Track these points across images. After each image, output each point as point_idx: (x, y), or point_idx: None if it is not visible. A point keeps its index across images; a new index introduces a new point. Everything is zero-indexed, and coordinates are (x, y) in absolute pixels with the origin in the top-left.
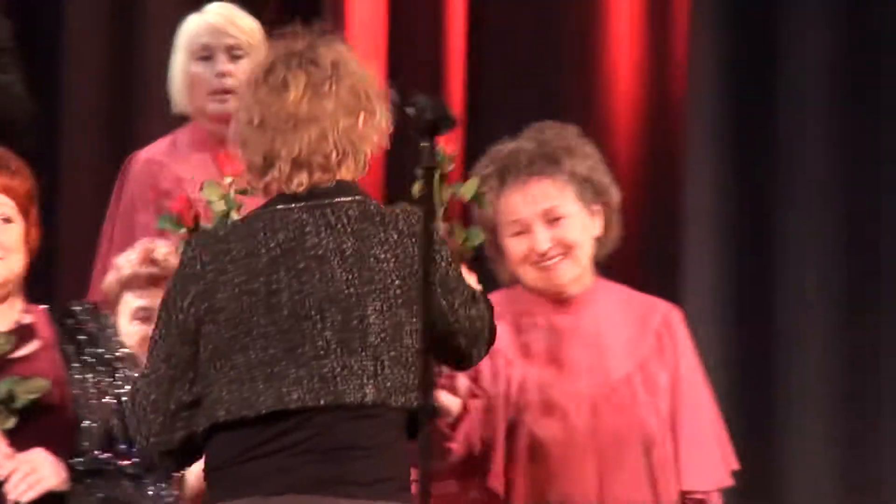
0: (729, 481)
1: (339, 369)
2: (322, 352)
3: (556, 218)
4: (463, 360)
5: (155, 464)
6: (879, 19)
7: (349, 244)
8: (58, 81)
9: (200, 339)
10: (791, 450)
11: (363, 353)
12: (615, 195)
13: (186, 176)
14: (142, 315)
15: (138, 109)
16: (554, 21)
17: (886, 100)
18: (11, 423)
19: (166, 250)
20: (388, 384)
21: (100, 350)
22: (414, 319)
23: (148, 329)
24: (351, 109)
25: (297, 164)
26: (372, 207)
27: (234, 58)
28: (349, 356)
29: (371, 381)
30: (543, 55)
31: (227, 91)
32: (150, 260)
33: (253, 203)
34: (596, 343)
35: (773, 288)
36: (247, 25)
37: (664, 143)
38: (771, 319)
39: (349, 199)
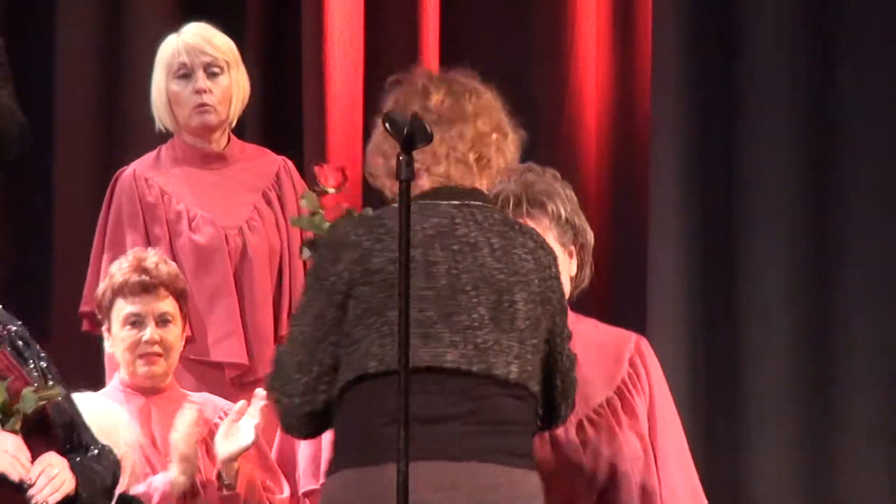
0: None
1: (491, 342)
2: (476, 323)
3: None
4: (556, 422)
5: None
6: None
7: (495, 240)
8: (50, 95)
9: (350, 301)
10: (756, 458)
11: (511, 334)
12: (590, 237)
13: (168, 189)
14: (133, 320)
15: (127, 123)
16: (525, 31)
17: (848, 126)
18: (18, 426)
19: (157, 259)
20: (529, 368)
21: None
22: (544, 322)
23: (139, 333)
24: (487, 121)
25: (437, 158)
26: (509, 218)
27: (212, 75)
28: (500, 333)
29: (516, 361)
30: (515, 63)
31: (206, 105)
32: (141, 268)
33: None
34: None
35: (738, 306)
36: (222, 43)
37: (629, 165)
38: (736, 336)
39: (490, 206)
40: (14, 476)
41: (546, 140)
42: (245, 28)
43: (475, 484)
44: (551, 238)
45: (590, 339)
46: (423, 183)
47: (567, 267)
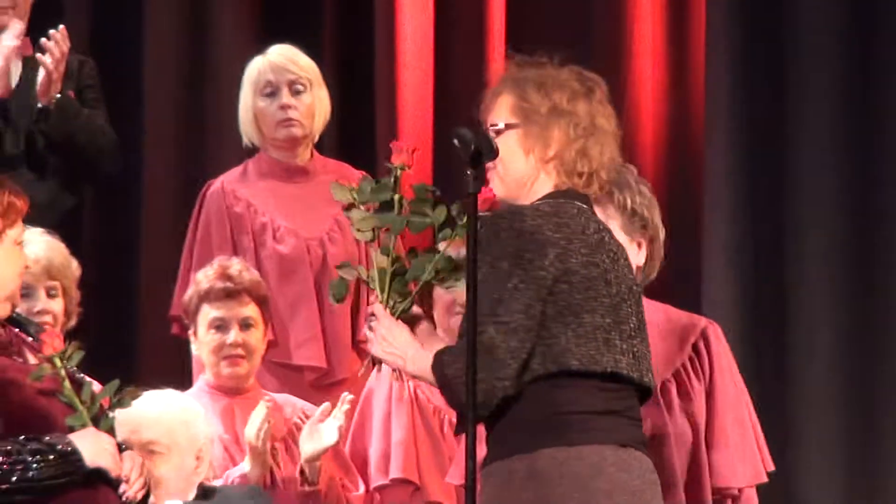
0: (762, 478)
1: (642, 351)
2: (633, 332)
3: None
4: None
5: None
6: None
7: (617, 248)
8: (139, 113)
9: (549, 297)
10: (804, 454)
11: (646, 342)
12: (661, 233)
13: (254, 201)
14: (217, 324)
15: (213, 139)
16: (586, 45)
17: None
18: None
19: (240, 267)
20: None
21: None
22: None
23: (223, 337)
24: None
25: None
26: None
27: (296, 92)
28: (642, 343)
29: (649, 372)
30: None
31: (290, 120)
32: (225, 275)
33: None
34: None
35: (787, 306)
36: (306, 63)
37: (683, 174)
38: (784, 334)
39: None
40: (115, 472)
41: None
42: (321, 49)
43: (646, 467)
44: (615, 226)
45: (656, 324)
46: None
47: (634, 258)
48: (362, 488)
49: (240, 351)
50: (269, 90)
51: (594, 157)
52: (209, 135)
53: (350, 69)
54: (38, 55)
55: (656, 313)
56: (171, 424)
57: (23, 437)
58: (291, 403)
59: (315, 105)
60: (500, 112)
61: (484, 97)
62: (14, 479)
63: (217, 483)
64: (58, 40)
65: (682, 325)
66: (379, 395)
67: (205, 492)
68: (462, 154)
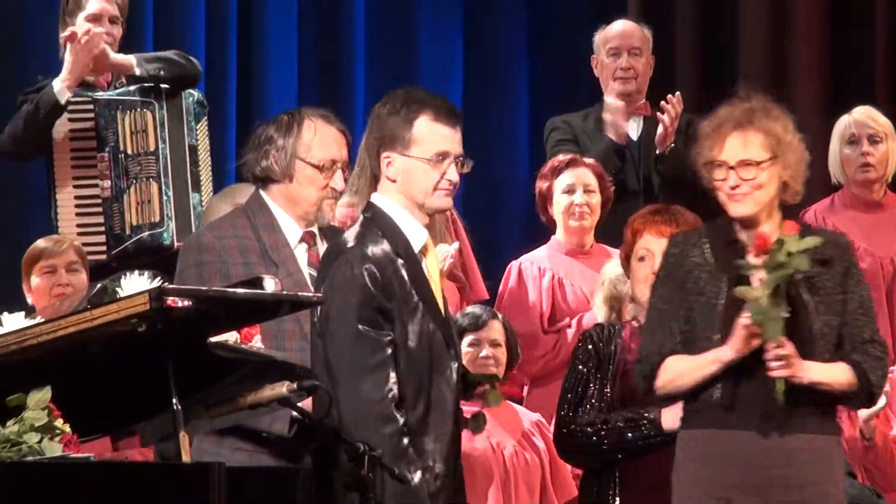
0: None
1: None
2: None
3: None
4: None
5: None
6: None
7: None
8: None
9: None
10: None
11: None
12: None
13: (841, 227)
14: None
15: None
16: None
17: None
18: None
19: None
20: None
21: None
22: None
23: None
24: None
25: None
26: None
27: (873, 142)
28: None
29: None
30: None
31: (868, 166)
32: None
33: None
34: None
35: None
36: (882, 120)
37: None
38: None
39: None
40: None
41: None
42: None
43: None
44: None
45: None
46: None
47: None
48: None
49: None
50: (852, 140)
51: None
52: None
53: None
54: (658, 114)
55: None
56: None
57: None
58: None
59: (889, 153)
60: None
61: None
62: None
63: None
64: (673, 103)
65: None
66: None
67: None
68: None
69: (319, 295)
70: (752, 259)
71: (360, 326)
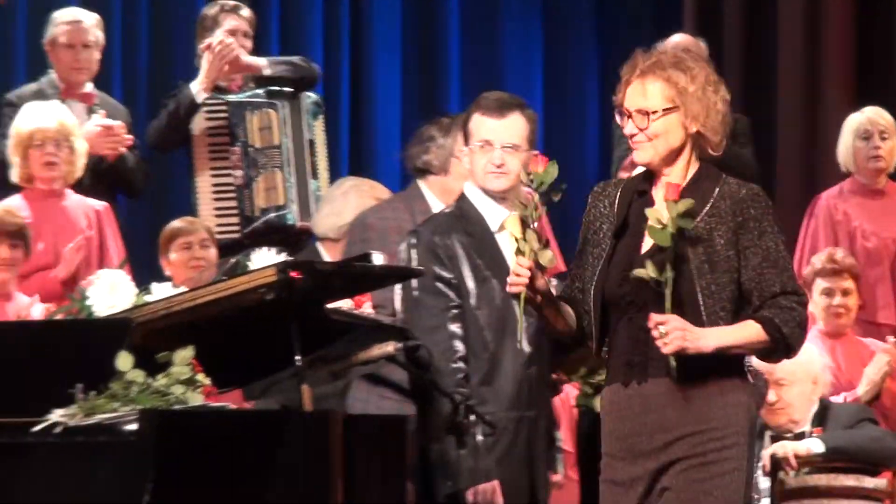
0: None
1: None
2: None
3: None
4: None
5: None
6: None
7: None
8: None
9: None
10: None
11: None
12: None
13: (849, 211)
14: (826, 292)
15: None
16: None
17: None
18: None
19: (842, 254)
20: None
21: None
22: None
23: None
24: None
25: None
26: None
27: (884, 138)
28: None
29: None
30: None
31: (879, 158)
32: (832, 260)
33: None
34: None
35: None
36: (888, 118)
37: None
38: None
39: None
40: None
41: None
42: None
43: None
44: None
45: None
46: None
47: None
48: None
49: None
50: (866, 135)
51: None
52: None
53: None
54: None
55: None
56: (790, 363)
57: None
58: None
59: (894, 147)
60: None
61: None
62: None
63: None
64: None
65: None
66: None
67: (823, 406)
68: None
69: (421, 267)
70: (649, 211)
71: (419, 293)
